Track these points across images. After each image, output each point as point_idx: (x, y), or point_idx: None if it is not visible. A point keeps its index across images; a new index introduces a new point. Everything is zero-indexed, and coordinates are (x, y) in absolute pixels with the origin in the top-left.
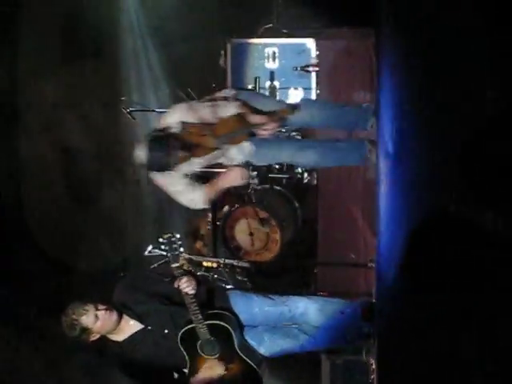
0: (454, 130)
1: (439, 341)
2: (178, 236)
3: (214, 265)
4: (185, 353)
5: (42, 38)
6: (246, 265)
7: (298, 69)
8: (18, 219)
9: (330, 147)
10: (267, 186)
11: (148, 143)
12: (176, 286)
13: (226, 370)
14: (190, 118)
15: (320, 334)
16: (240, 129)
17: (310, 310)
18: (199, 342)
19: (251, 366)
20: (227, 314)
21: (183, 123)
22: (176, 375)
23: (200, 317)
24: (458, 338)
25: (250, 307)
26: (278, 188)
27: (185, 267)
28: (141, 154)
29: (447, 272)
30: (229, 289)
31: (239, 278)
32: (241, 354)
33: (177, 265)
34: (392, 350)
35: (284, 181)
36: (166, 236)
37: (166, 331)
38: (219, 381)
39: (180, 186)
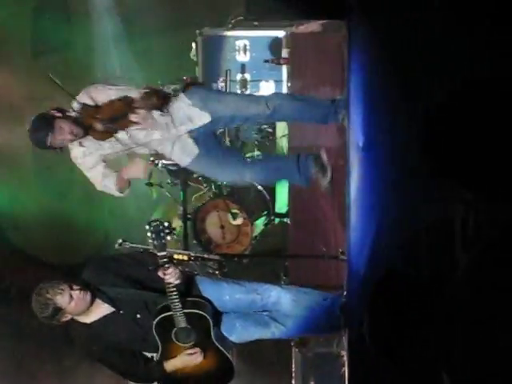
0: (427, 122)
1: (411, 332)
2: (166, 224)
3: (185, 257)
4: (158, 339)
5: None
6: (216, 257)
7: (269, 61)
8: None
9: (273, 167)
10: None
11: (32, 121)
12: (161, 275)
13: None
14: (97, 100)
15: (292, 323)
16: (123, 112)
17: (282, 299)
18: (174, 329)
19: (225, 354)
20: (205, 302)
21: (82, 104)
22: (150, 356)
23: (179, 305)
24: (430, 328)
25: (221, 294)
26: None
27: (175, 256)
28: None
29: (418, 264)
30: (196, 275)
31: (210, 271)
32: (216, 344)
33: (163, 253)
34: (363, 342)
35: None
36: (153, 223)
37: (139, 316)
38: (193, 369)
39: (95, 172)
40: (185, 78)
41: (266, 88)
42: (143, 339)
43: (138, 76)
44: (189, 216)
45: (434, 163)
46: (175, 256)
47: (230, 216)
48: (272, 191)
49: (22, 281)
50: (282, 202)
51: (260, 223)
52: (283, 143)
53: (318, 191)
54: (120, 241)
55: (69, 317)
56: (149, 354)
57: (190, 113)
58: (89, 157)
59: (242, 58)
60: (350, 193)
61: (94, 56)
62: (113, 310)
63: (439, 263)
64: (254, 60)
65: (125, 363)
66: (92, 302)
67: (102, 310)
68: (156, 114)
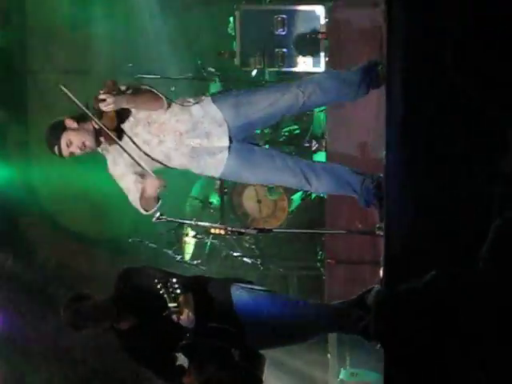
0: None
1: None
2: (174, 280)
3: (222, 232)
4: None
5: None
6: (253, 232)
7: (307, 36)
8: None
9: (340, 181)
10: None
11: (47, 128)
12: (175, 319)
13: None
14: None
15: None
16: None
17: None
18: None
19: (254, 373)
20: (223, 327)
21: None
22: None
23: (199, 337)
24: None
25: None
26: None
27: (212, 230)
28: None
29: (456, 240)
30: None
31: (246, 245)
32: (244, 366)
33: (173, 305)
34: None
35: (292, 148)
36: (162, 280)
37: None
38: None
39: (125, 182)
40: (222, 52)
41: (304, 63)
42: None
43: (174, 52)
44: (226, 190)
45: (473, 135)
46: (212, 230)
47: (266, 190)
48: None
49: (61, 255)
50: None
51: (297, 198)
52: (321, 118)
53: (356, 165)
54: (157, 214)
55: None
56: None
57: (210, 128)
58: (117, 166)
59: (280, 32)
60: (388, 168)
61: (130, 31)
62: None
63: (477, 239)
64: (291, 34)
65: (158, 368)
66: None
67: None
68: (169, 120)
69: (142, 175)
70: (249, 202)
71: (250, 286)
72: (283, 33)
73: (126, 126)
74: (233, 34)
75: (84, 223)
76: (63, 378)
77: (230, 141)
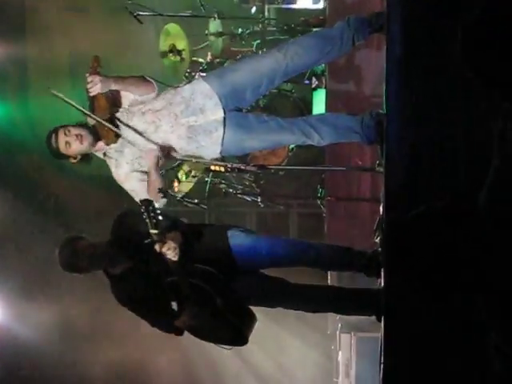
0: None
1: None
2: (155, 205)
3: (222, 169)
4: (174, 297)
5: None
6: (253, 169)
7: None
8: None
9: (339, 127)
10: (275, 90)
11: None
12: (157, 249)
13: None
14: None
15: (319, 295)
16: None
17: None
18: (182, 293)
19: (235, 323)
20: (210, 270)
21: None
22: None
23: (182, 273)
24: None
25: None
26: (286, 92)
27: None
28: None
29: (456, 178)
30: (229, 228)
31: (246, 183)
32: (224, 312)
33: (155, 231)
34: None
35: (292, 85)
36: (144, 203)
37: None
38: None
39: (129, 183)
40: None
41: (303, 0)
42: (164, 293)
43: None
44: None
45: (473, 72)
46: (212, 167)
47: None
48: (309, 101)
49: (62, 193)
50: (319, 108)
51: None
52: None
53: (356, 102)
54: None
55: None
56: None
57: (203, 103)
58: (120, 168)
59: None
60: (389, 103)
61: None
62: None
63: (477, 177)
64: None
65: (152, 314)
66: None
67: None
68: (161, 102)
69: (144, 173)
70: None
71: (248, 230)
72: None
73: (120, 119)
74: None
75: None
76: None
77: (224, 112)
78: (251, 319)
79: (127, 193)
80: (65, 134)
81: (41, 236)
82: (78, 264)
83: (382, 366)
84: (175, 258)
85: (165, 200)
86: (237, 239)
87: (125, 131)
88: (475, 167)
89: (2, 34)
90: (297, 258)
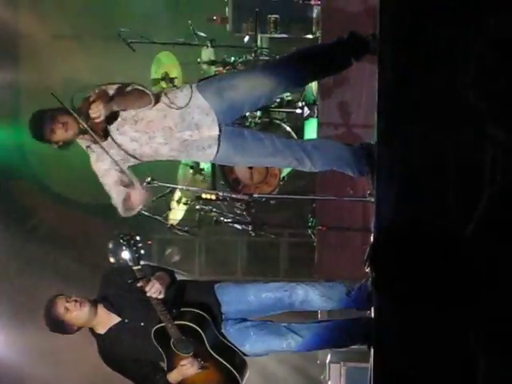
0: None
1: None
2: (138, 238)
3: (213, 197)
4: (160, 349)
5: None
6: (244, 197)
7: (301, 1)
8: None
9: (332, 157)
10: (267, 119)
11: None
12: (140, 289)
13: (201, 368)
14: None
15: (310, 335)
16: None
17: (310, 297)
18: (172, 339)
19: (227, 367)
20: (198, 312)
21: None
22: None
23: (168, 317)
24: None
25: (245, 295)
26: (278, 122)
27: (203, 195)
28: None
29: (446, 206)
30: (218, 281)
31: (237, 211)
32: (214, 355)
33: (138, 267)
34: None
35: (284, 115)
36: (125, 237)
37: (142, 324)
38: (198, 379)
39: (107, 178)
40: (215, 17)
41: (296, 29)
42: (149, 347)
43: (165, 17)
44: None
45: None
46: (203, 195)
47: None
48: (300, 131)
49: (51, 220)
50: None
51: None
52: (312, 84)
53: (347, 131)
54: (148, 179)
55: (75, 328)
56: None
57: (199, 119)
58: (100, 162)
59: None
60: (380, 134)
61: None
62: (119, 319)
63: (468, 205)
64: (284, 0)
65: (140, 374)
66: (94, 313)
67: (111, 320)
68: (157, 117)
69: (125, 178)
70: (240, 168)
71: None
72: None
73: (112, 127)
74: None
75: (76, 188)
76: None
77: (220, 129)
78: (244, 365)
79: (117, 218)
80: (51, 120)
81: (31, 262)
82: (54, 329)
83: None
84: (160, 296)
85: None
86: (225, 288)
87: (114, 134)
88: (467, 196)
89: None
90: (285, 302)
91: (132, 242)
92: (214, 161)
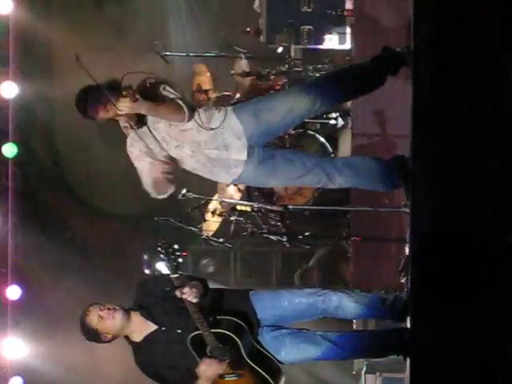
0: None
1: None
2: (176, 247)
3: (248, 209)
4: (196, 356)
5: None
6: (279, 209)
7: (334, 13)
8: None
9: (364, 171)
10: (301, 130)
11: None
12: (178, 295)
13: (237, 376)
14: None
15: (345, 343)
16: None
17: (344, 303)
18: (208, 347)
19: (262, 375)
20: (235, 320)
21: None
22: None
23: (205, 324)
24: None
25: (279, 301)
26: (312, 133)
27: (238, 207)
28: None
29: (480, 214)
30: (250, 290)
31: (272, 222)
32: (250, 362)
33: (176, 276)
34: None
35: (318, 125)
36: (163, 246)
37: (179, 331)
38: None
39: (140, 164)
40: (248, 29)
41: (330, 40)
42: (186, 354)
43: (200, 29)
44: None
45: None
46: (238, 207)
47: None
48: (335, 142)
49: (86, 232)
50: (344, 154)
51: None
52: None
53: (381, 142)
54: (183, 191)
55: (109, 336)
56: None
57: (231, 141)
58: (133, 148)
59: (306, 8)
60: (414, 146)
61: (156, 7)
62: (156, 327)
63: (506, 215)
64: (317, 11)
65: (176, 381)
66: (128, 321)
67: (147, 327)
68: (191, 129)
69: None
70: None
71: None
72: (309, 9)
73: (150, 118)
74: (259, 10)
75: (109, 198)
76: None
77: (248, 155)
78: (279, 373)
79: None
80: (96, 99)
81: (67, 274)
82: (99, 338)
83: None
84: (194, 300)
85: (169, 192)
86: (260, 295)
87: (151, 125)
88: (506, 206)
89: (29, 74)
90: (319, 307)
91: (170, 250)
92: (237, 181)
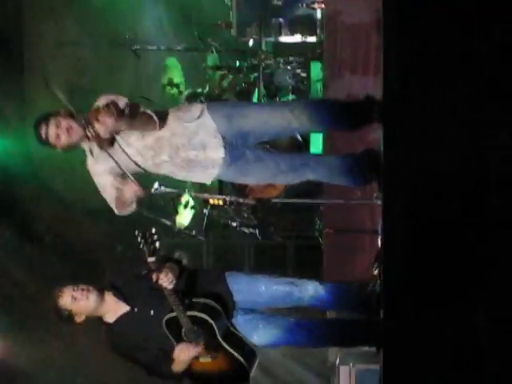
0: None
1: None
2: (153, 231)
3: (220, 202)
4: (172, 338)
5: None
6: (252, 202)
7: (304, 5)
8: None
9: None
10: None
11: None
12: (154, 280)
13: (212, 357)
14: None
15: (317, 331)
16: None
17: (320, 292)
18: (183, 329)
19: (236, 357)
20: (210, 303)
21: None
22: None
23: (180, 308)
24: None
25: (255, 286)
26: None
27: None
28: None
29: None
30: (225, 271)
31: (244, 215)
32: (224, 345)
33: (153, 259)
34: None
35: None
36: (141, 230)
37: (152, 313)
38: (203, 369)
39: (103, 178)
40: (219, 22)
41: (300, 33)
42: (159, 336)
43: (170, 23)
44: None
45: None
46: (211, 201)
47: None
48: (306, 135)
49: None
50: (316, 147)
51: None
52: (318, 87)
53: (352, 136)
54: (156, 185)
55: (82, 317)
56: None
57: (205, 139)
58: (98, 165)
59: (277, 1)
60: (386, 139)
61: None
62: (128, 308)
63: (474, 207)
64: (288, 4)
65: (149, 361)
66: (101, 301)
67: (120, 308)
68: (164, 130)
69: (122, 179)
70: None
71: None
72: (279, 2)
73: (118, 136)
74: (229, 4)
75: (82, 195)
76: None
77: (224, 152)
78: (253, 356)
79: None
80: (56, 126)
81: (38, 269)
82: (72, 319)
83: None
84: (170, 286)
85: (131, 211)
86: (235, 277)
87: (121, 143)
88: (475, 196)
89: (1, 69)
90: (294, 296)
91: (148, 234)
92: (212, 180)
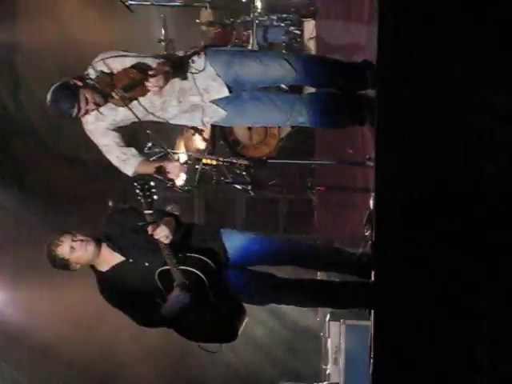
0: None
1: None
2: (152, 183)
3: (214, 162)
4: (163, 289)
5: None
6: (245, 162)
7: None
8: None
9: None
10: None
11: (53, 91)
12: (150, 233)
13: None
14: (111, 68)
15: (309, 291)
16: (138, 80)
17: (311, 254)
18: (175, 282)
19: (225, 312)
20: (203, 258)
21: (100, 72)
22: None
23: (174, 261)
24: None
25: (248, 244)
26: None
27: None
28: (48, 97)
29: (445, 172)
30: (224, 226)
31: (237, 171)
32: (214, 301)
33: (149, 212)
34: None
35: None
36: (140, 182)
37: (147, 264)
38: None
39: (107, 139)
40: None
41: None
42: (152, 288)
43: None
44: None
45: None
46: (204, 160)
47: None
48: (298, 91)
49: (50, 176)
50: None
51: None
52: (311, 45)
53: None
54: (149, 144)
55: (78, 266)
56: None
57: (207, 84)
58: (102, 122)
59: None
60: (380, 98)
61: None
62: (123, 259)
63: (466, 174)
64: None
65: (140, 311)
66: (98, 252)
67: (114, 258)
68: (174, 80)
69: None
70: (239, 129)
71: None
72: None
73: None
74: None
75: (75, 144)
76: None
77: (229, 90)
78: (242, 313)
79: (120, 178)
80: (86, 103)
81: (32, 221)
82: (68, 267)
83: (371, 360)
84: (167, 241)
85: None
86: (229, 234)
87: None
88: (472, 160)
89: None
90: (288, 255)
91: (146, 186)
92: (212, 123)
